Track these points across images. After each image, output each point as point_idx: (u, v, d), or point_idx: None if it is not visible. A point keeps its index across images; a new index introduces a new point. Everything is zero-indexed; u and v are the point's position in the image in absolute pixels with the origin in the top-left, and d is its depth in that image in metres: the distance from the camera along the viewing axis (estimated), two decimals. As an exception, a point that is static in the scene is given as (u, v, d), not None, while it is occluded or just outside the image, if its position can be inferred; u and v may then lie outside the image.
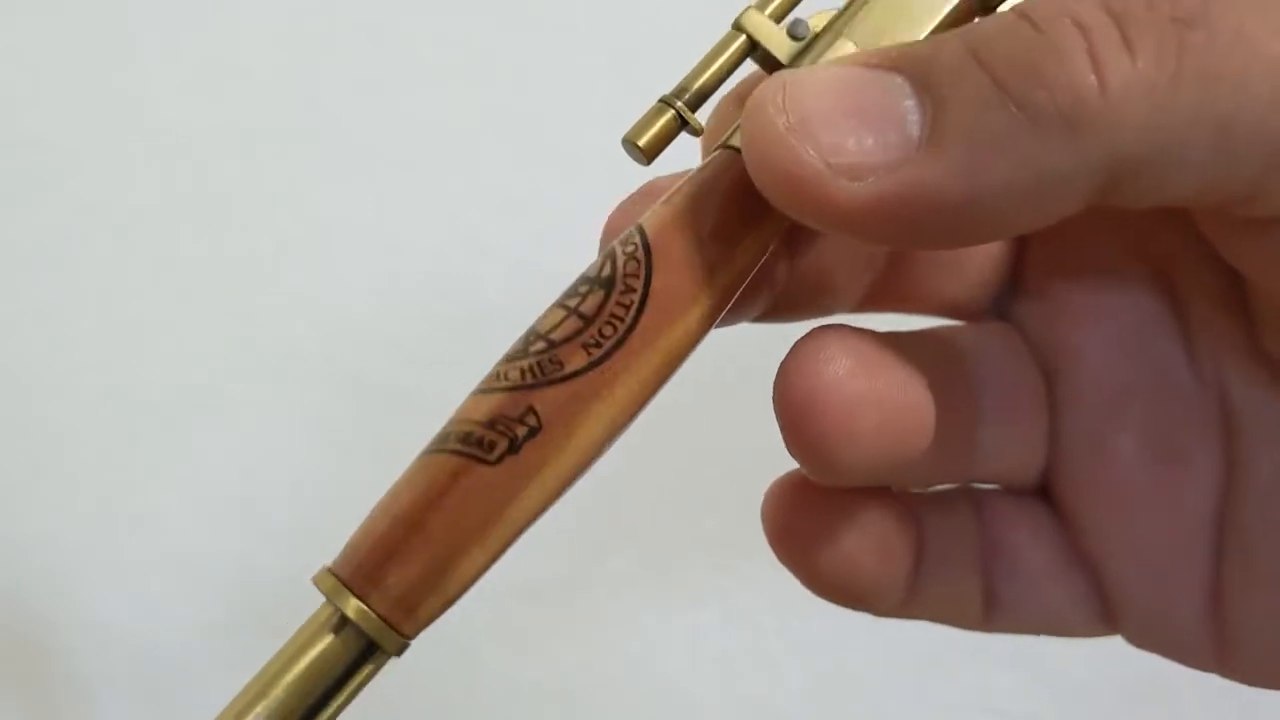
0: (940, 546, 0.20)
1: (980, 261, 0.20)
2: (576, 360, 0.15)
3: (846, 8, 0.17)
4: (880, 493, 0.19)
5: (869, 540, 0.19)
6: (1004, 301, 0.20)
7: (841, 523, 0.18)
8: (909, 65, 0.14)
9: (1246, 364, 0.18)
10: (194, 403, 0.53)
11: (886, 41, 0.16)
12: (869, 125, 0.13)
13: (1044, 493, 0.20)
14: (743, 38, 0.17)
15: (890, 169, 0.13)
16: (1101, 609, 0.20)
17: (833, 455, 0.16)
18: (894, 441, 0.16)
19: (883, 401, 0.16)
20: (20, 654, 0.55)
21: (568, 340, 0.15)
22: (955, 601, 0.20)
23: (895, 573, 0.19)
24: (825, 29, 0.16)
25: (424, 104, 0.52)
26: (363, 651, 0.17)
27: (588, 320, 0.15)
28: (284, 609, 0.59)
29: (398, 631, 0.16)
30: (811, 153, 0.14)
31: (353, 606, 0.16)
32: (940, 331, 0.20)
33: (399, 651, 0.16)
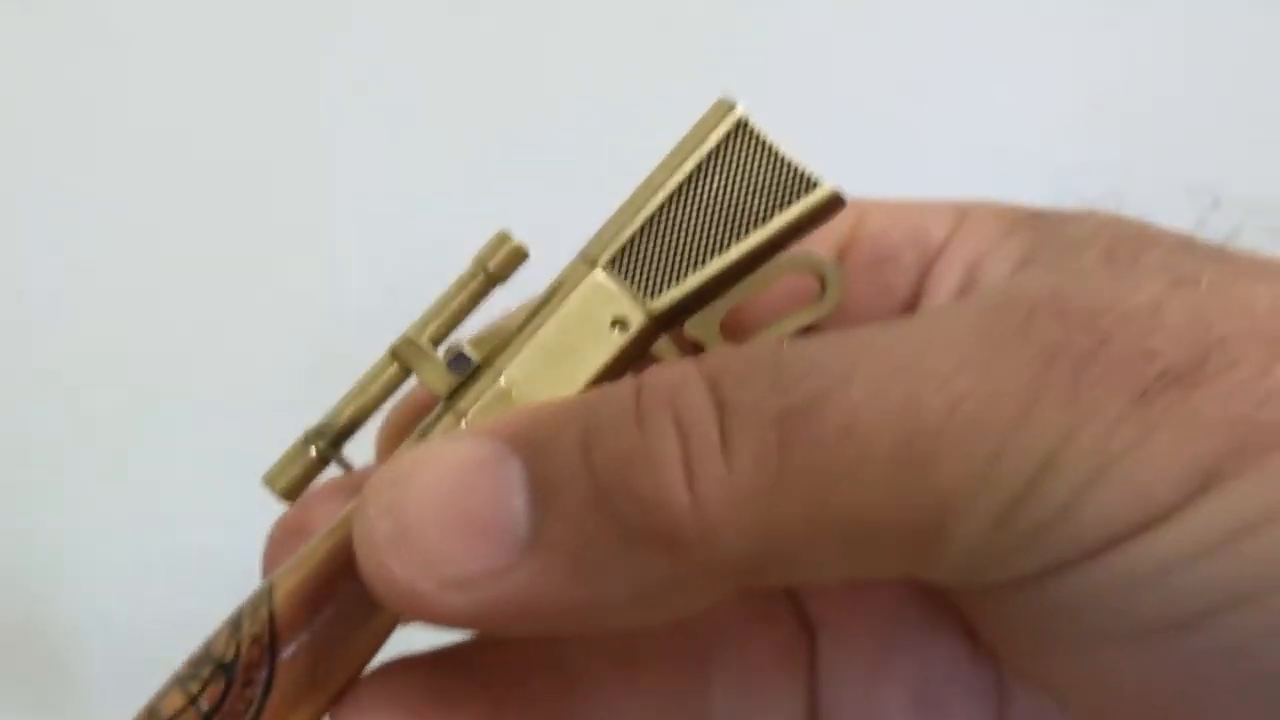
0: None
1: None
2: None
3: (507, 342, 0.17)
4: None
5: None
6: None
7: None
8: (527, 450, 0.13)
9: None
10: (194, 402, 0.53)
11: (542, 392, 0.16)
12: (476, 535, 0.13)
13: None
14: (395, 367, 0.17)
15: (495, 577, 0.13)
16: None
17: None
18: None
19: None
20: (20, 653, 0.55)
21: None
22: None
23: None
24: (484, 365, 0.16)
25: (424, 104, 0.52)
26: None
27: (207, 716, 0.14)
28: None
29: None
30: (410, 571, 0.13)
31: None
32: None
33: None
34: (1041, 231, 0.15)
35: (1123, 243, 0.14)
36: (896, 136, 0.50)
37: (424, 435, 0.17)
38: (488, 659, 0.17)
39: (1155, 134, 0.50)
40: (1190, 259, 0.14)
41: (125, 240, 0.53)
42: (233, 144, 0.53)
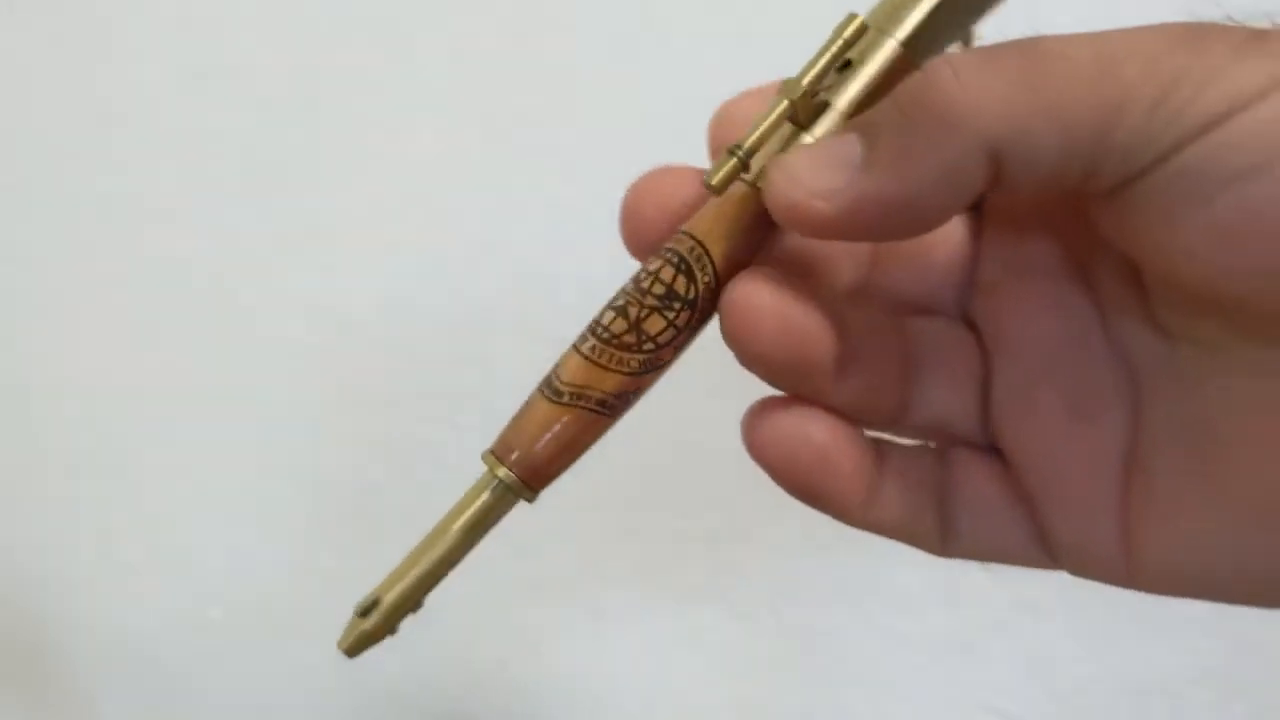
0: (900, 467, 0.25)
1: (942, 264, 0.26)
2: (670, 355, 0.23)
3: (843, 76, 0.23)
4: (847, 420, 0.24)
5: (833, 434, 0.24)
6: (962, 298, 0.26)
7: (809, 419, 0.24)
8: (862, 124, 0.21)
9: (1145, 331, 0.23)
10: (194, 403, 0.53)
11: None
12: (829, 165, 0.21)
13: (992, 445, 0.26)
14: (785, 103, 0.23)
15: (844, 189, 0.21)
16: (1040, 542, 0.25)
17: (743, 345, 0.22)
18: (791, 347, 0.22)
19: (783, 315, 0.22)
20: (20, 653, 0.55)
21: (669, 344, 0.23)
22: (912, 522, 0.25)
23: (856, 468, 0.24)
24: (830, 104, 0.23)
25: (424, 104, 0.52)
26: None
27: (679, 330, 0.23)
28: (283, 608, 0.59)
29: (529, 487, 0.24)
30: (797, 191, 0.21)
31: (502, 472, 0.24)
32: (889, 317, 0.26)
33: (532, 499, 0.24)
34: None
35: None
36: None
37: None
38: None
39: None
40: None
41: (125, 241, 0.53)
42: (233, 144, 0.53)
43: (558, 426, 0.23)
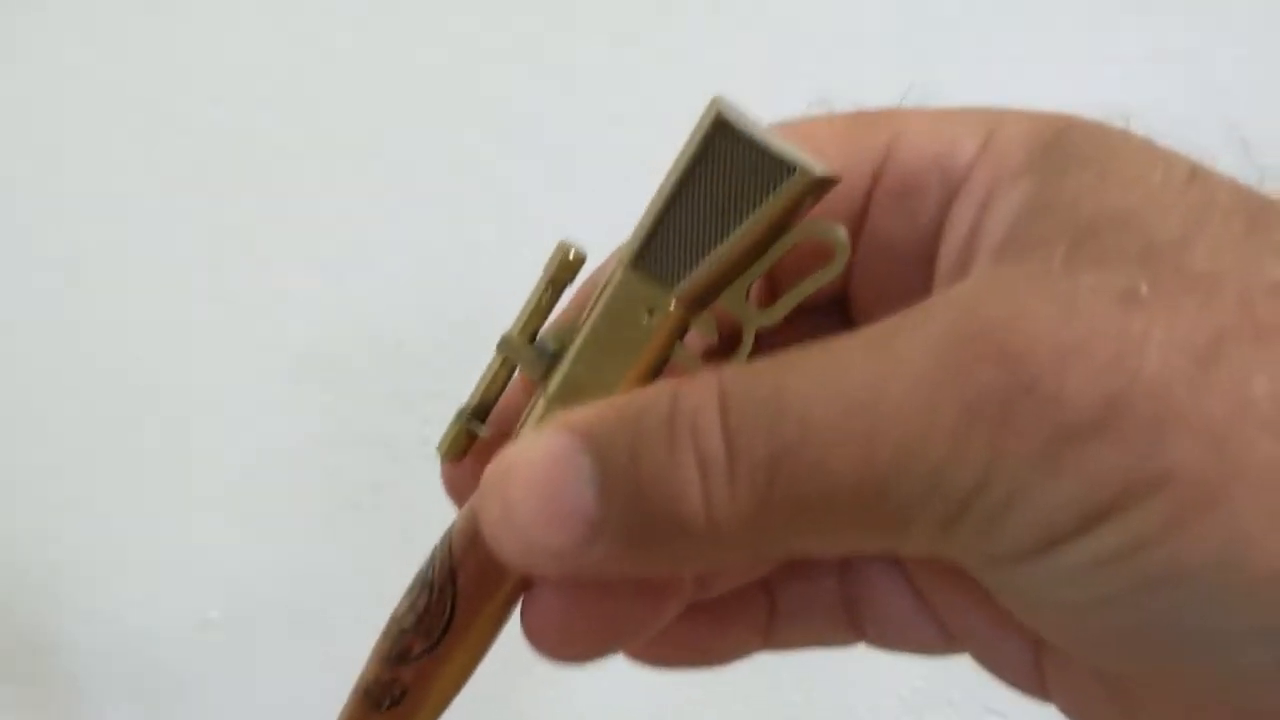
0: (796, 605, 0.24)
1: None
2: (419, 645, 0.22)
3: (575, 334, 0.21)
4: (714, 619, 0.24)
5: (695, 649, 0.24)
6: None
7: (672, 650, 0.24)
8: (593, 449, 0.18)
9: None
10: (194, 403, 0.53)
11: (603, 373, 0.20)
12: (560, 520, 0.18)
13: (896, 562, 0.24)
14: (501, 360, 0.22)
15: (575, 552, 0.18)
16: (955, 644, 0.24)
17: (572, 660, 0.21)
18: (616, 637, 0.21)
19: (588, 624, 0.21)
20: (20, 653, 0.55)
21: (413, 628, 0.22)
22: (820, 638, 0.25)
23: (734, 646, 0.24)
24: (560, 353, 0.21)
25: (424, 105, 0.52)
26: None
27: (420, 615, 0.22)
28: (282, 608, 0.59)
29: None
30: (515, 545, 0.18)
31: None
32: None
33: None
34: (1044, 181, 0.18)
35: (1091, 237, 0.16)
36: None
37: (529, 416, 0.21)
38: None
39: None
40: (1148, 258, 0.16)
41: (125, 241, 0.53)
42: (233, 144, 0.53)
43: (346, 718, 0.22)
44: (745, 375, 0.17)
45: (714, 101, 0.19)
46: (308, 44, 0.52)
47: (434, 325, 0.52)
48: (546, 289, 0.21)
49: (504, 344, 0.21)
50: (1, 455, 0.54)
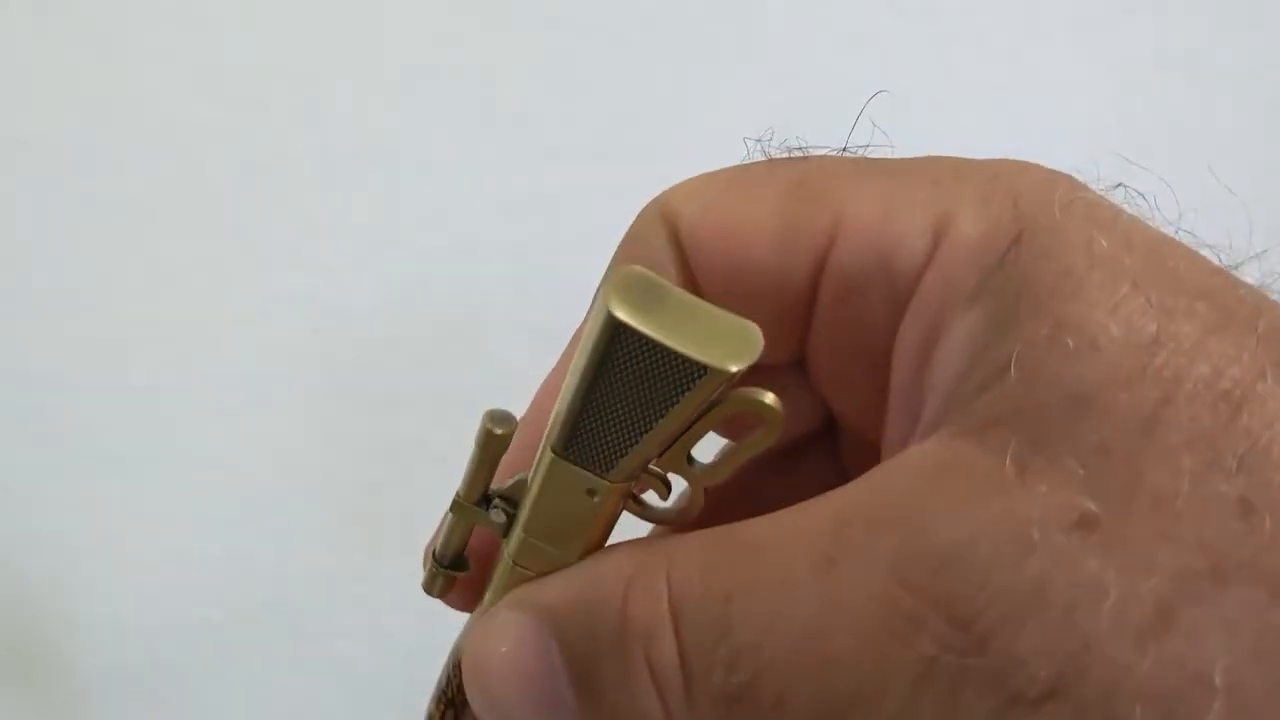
0: None
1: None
2: None
3: (525, 496, 0.20)
4: None
5: None
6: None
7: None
8: (559, 633, 0.18)
9: None
10: (194, 403, 0.53)
11: (558, 539, 0.20)
12: (542, 711, 0.18)
13: None
14: (455, 519, 0.21)
15: None
16: None
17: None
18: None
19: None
20: (20, 653, 0.55)
21: None
22: None
23: None
24: (515, 516, 0.21)
25: (424, 104, 0.52)
26: None
27: None
28: (282, 609, 0.59)
29: None
30: None
31: None
32: None
33: None
34: (996, 323, 0.16)
35: (1046, 418, 0.15)
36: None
37: (494, 575, 0.21)
38: None
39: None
40: (1105, 461, 0.15)
41: (125, 241, 0.53)
42: (233, 144, 0.53)
43: None
44: (694, 581, 0.17)
45: (609, 292, 0.17)
46: (308, 44, 0.52)
47: (432, 325, 0.52)
48: (481, 465, 0.21)
49: (456, 508, 0.21)
50: (2, 455, 0.54)
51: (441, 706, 0.22)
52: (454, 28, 0.51)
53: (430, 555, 0.22)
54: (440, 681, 0.23)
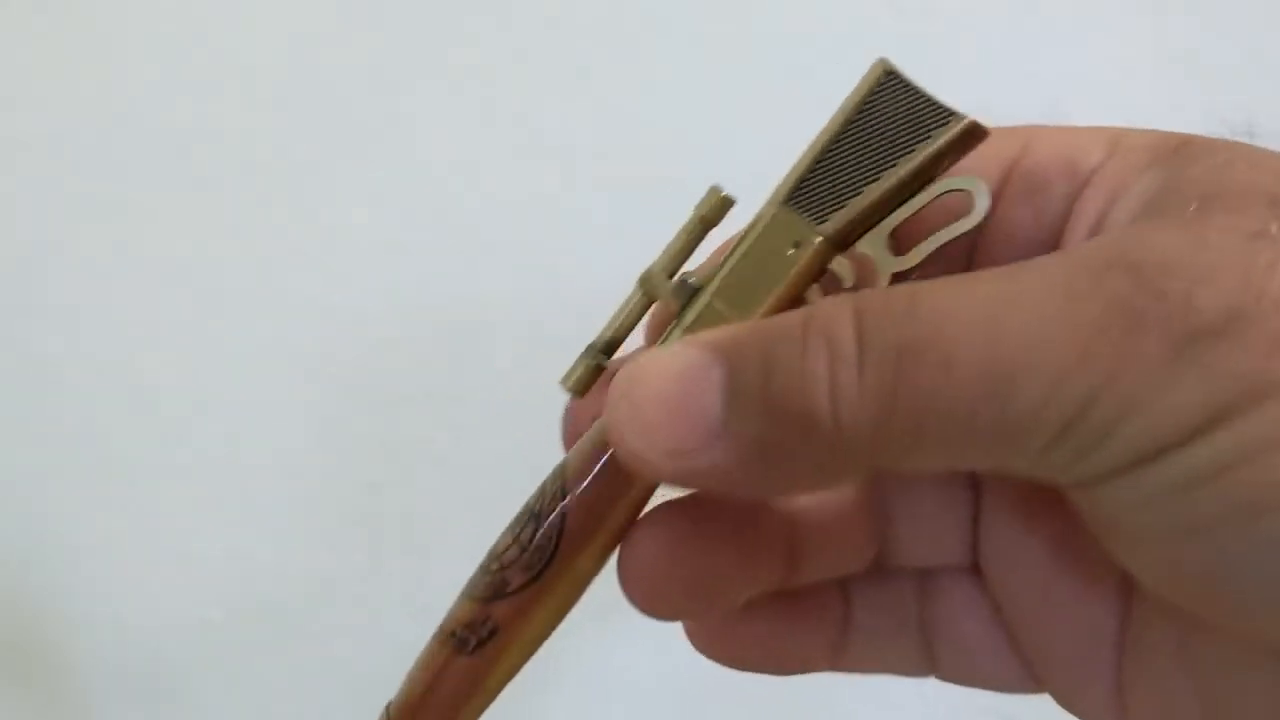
0: (871, 618, 0.24)
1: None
2: (519, 578, 0.21)
3: (716, 269, 0.21)
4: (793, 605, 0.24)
5: (773, 637, 0.24)
6: None
7: (743, 634, 0.24)
8: (726, 361, 0.18)
9: None
10: (194, 402, 0.53)
11: (742, 304, 0.21)
12: (685, 420, 0.18)
13: (976, 570, 0.24)
14: (640, 294, 0.22)
15: (697, 452, 0.18)
16: (1030, 680, 0.24)
17: (660, 613, 0.22)
18: (704, 595, 0.22)
19: (681, 576, 0.21)
20: (20, 653, 0.55)
21: (514, 562, 0.21)
22: (891, 663, 0.25)
23: (807, 654, 0.24)
24: (703, 287, 0.22)
25: (424, 104, 0.52)
26: None
27: (524, 547, 0.21)
28: (282, 608, 0.59)
29: None
30: (639, 442, 0.18)
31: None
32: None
33: None
34: (1172, 170, 0.18)
35: (1222, 196, 0.17)
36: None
37: (663, 343, 0.22)
38: (729, 503, 0.23)
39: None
40: (1276, 205, 0.17)
41: (126, 241, 0.53)
42: (233, 144, 0.53)
43: (425, 665, 0.22)
44: (880, 292, 0.19)
45: (880, 60, 0.21)
46: (308, 44, 0.53)
47: (434, 326, 0.52)
48: (697, 225, 0.22)
49: (645, 279, 0.22)
50: (2, 455, 0.54)
51: (519, 526, 0.22)
52: (454, 28, 0.51)
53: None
54: (528, 503, 0.22)
